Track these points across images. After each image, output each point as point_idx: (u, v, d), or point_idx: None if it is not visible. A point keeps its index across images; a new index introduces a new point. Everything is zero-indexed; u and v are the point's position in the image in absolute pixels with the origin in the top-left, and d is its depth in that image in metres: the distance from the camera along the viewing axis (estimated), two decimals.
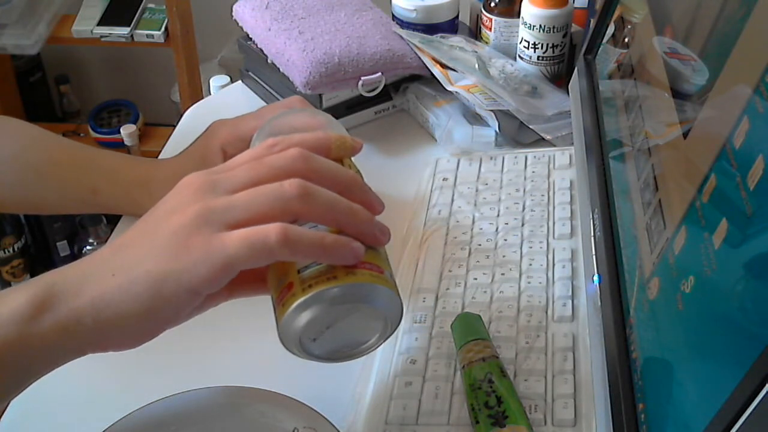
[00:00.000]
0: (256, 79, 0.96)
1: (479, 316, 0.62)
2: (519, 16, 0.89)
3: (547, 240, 0.70)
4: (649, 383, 0.48)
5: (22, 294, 0.43)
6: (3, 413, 0.62)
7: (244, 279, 0.48)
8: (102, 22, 1.85)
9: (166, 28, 1.84)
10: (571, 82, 0.80)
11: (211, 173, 0.46)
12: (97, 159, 0.74)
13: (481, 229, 0.73)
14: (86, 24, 1.85)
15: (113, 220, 0.79)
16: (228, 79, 1.09)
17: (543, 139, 0.83)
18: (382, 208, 0.48)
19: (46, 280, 0.44)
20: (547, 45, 0.88)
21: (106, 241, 0.80)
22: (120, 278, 0.43)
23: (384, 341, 0.48)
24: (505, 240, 0.71)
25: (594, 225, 0.62)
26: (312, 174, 0.45)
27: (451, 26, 0.96)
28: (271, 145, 0.46)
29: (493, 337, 0.61)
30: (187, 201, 0.44)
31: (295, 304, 0.44)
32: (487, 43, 0.95)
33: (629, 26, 0.70)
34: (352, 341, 0.47)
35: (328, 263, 0.44)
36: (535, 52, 0.89)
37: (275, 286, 0.46)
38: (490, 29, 0.94)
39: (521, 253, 0.69)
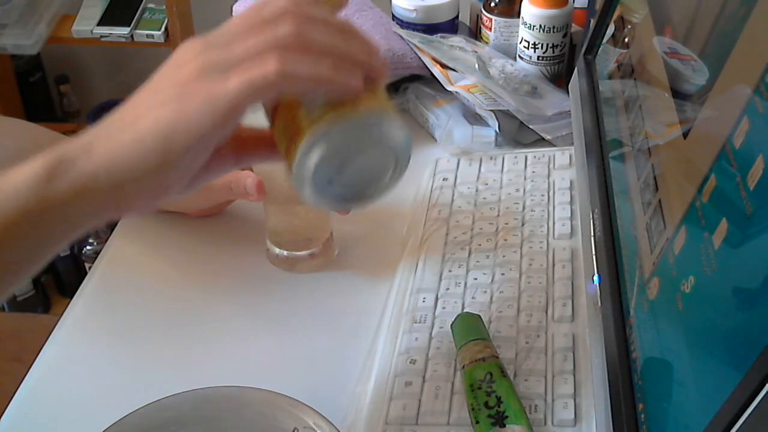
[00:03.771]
0: None
1: (479, 316, 0.62)
2: (519, 16, 0.89)
3: (547, 240, 0.70)
4: (649, 383, 0.48)
5: (35, 162, 0.44)
6: (3, 413, 0.62)
7: (251, 143, 0.49)
8: (102, 22, 1.85)
9: (166, 28, 1.83)
10: (571, 82, 0.80)
11: (206, 35, 0.46)
12: None
13: (481, 229, 0.73)
14: (86, 24, 1.85)
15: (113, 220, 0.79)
16: None
17: (543, 139, 0.83)
18: (378, 50, 0.48)
19: (57, 149, 0.44)
20: (547, 45, 0.88)
21: (106, 241, 0.80)
22: (128, 135, 0.43)
23: (398, 179, 0.48)
24: (505, 240, 0.71)
25: (594, 225, 0.62)
26: (305, 18, 0.45)
27: (451, 26, 0.96)
28: (261, 4, 0.46)
29: (493, 337, 0.61)
30: (187, 58, 0.44)
31: (305, 141, 0.43)
32: (487, 43, 0.95)
33: (629, 26, 0.70)
34: (367, 180, 0.47)
35: (330, 97, 0.44)
36: (535, 52, 0.89)
37: (284, 135, 0.46)
38: (490, 29, 0.94)
39: (521, 253, 0.69)
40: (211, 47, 0.45)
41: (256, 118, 0.49)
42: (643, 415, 0.47)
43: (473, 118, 0.85)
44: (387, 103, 0.46)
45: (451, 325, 0.62)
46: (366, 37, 0.47)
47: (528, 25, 0.88)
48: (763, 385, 0.33)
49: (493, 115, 0.83)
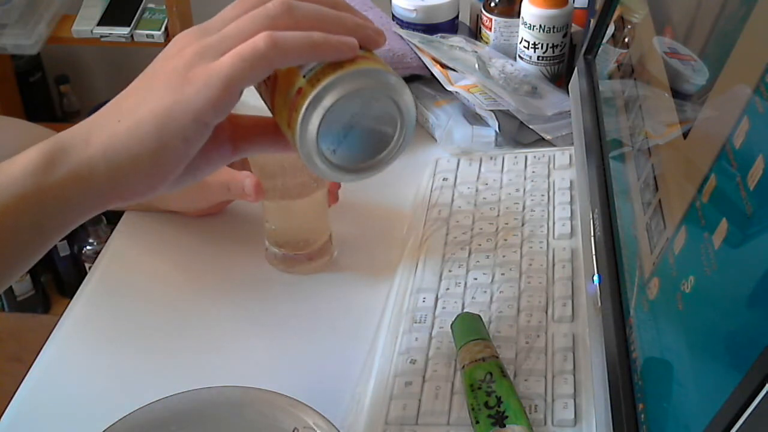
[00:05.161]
0: None
1: (479, 316, 0.62)
2: (519, 16, 0.89)
3: (547, 240, 0.70)
4: (649, 383, 0.48)
5: (32, 152, 0.44)
6: (3, 413, 0.62)
7: (249, 131, 0.49)
8: (102, 22, 1.85)
9: (166, 28, 1.84)
10: (571, 82, 0.80)
11: (201, 25, 0.46)
12: None
13: (481, 229, 0.73)
14: (86, 24, 1.85)
15: (113, 220, 0.79)
16: None
17: (543, 139, 0.83)
18: (371, 21, 0.47)
19: (55, 138, 0.45)
20: (547, 45, 0.88)
21: (106, 241, 0.80)
22: (126, 122, 0.44)
23: (404, 144, 0.46)
24: (505, 240, 0.71)
25: (594, 225, 0.62)
26: None
27: (451, 26, 0.96)
28: None
29: (493, 337, 0.61)
30: (182, 45, 0.45)
31: (307, 101, 0.43)
32: (487, 43, 0.95)
33: (629, 26, 0.70)
34: (373, 145, 0.46)
35: (327, 62, 0.43)
36: (535, 52, 0.89)
37: (284, 109, 0.45)
38: (490, 29, 0.94)
39: (521, 253, 0.69)
40: (205, 33, 0.45)
41: (256, 110, 0.49)
42: (643, 415, 0.47)
43: (473, 118, 0.85)
44: (386, 65, 0.45)
45: (451, 325, 0.62)
46: (359, 12, 0.47)
47: (528, 25, 0.88)
48: (763, 385, 0.33)
49: (493, 115, 0.83)
